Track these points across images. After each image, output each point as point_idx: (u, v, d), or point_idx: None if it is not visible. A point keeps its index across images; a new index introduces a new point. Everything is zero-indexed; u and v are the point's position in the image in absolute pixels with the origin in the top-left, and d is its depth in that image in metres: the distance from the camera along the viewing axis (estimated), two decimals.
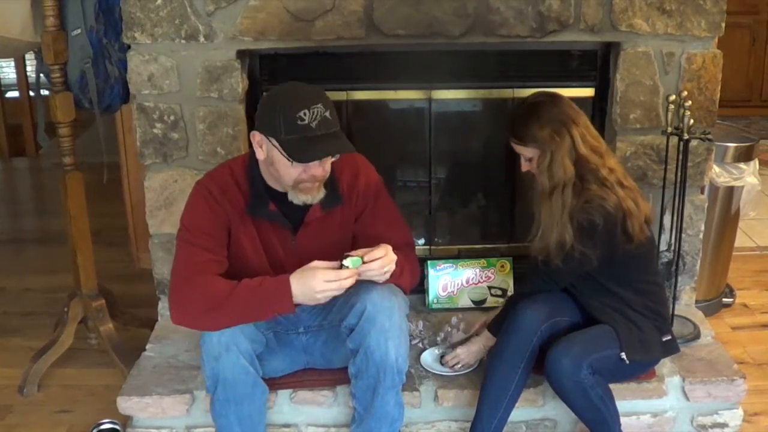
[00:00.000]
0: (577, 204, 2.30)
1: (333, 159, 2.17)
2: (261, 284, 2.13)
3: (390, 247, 2.16)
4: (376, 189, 2.37)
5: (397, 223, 2.40)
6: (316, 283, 2.08)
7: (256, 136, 2.14)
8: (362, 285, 2.20)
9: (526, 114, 2.37)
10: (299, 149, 2.07)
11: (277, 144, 2.09)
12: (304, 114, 2.05)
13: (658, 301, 2.47)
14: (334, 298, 2.36)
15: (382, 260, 2.13)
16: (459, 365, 2.56)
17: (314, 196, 2.20)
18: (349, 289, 2.26)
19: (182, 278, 2.17)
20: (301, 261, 2.13)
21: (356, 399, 2.32)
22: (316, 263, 2.11)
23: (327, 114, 2.08)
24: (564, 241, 2.30)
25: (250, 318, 2.17)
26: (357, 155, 2.40)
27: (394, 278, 2.21)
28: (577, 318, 2.45)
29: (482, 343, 2.54)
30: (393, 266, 2.16)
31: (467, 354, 2.55)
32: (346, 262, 2.11)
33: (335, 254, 2.22)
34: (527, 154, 2.38)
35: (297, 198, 2.19)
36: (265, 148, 2.14)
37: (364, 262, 2.12)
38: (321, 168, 2.14)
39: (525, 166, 2.42)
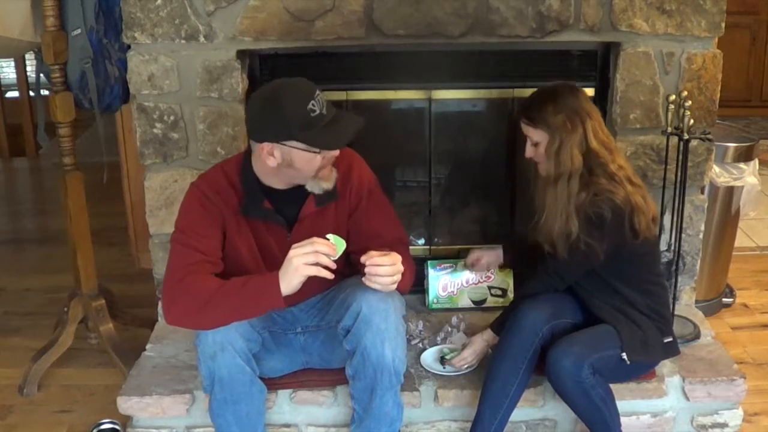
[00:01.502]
0: (586, 197, 2.30)
1: None
2: (249, 280, 2.12)
3: (399, 258, 2.15)
4: (370, 185, 2.36)
5: (392, 220, 2.40)
6: (291, 252, 2.05)
7: (266, 148, 2.12)
8: (358, 286, 2.20)
9: (543, 97, 2.38)
10: (326, 139, 2.10)
11: (296, 143, 2.09)
12: (313, 105, 2.07)
13: (661, 302, 2.47)
14: (332, 299, 2.37)
15: (389, 268, 2.11)
16: (466, 366, 2.56)
17: (332, 180, 2.22)
18: (346, 290, 2.27)
19: (174, 279, 2.17)
20: None
21: (355, 400, 2.32)
22: None
23: (325, 98, 2.13)
24: (569, 231, 2.30)
25: (241, 314, 2.15)
26: (351, 151, 2.39)
27: None
28: (579, 319, 2.45)
29: (486, 341, 2.54)
30: (399, 277, 2.15)
31: (473, 355, 2.55)
32: (328, 236, 2.09)
33: None
34: (535, 138, 2.38)
35: (318, 187, 2.20)
36: (278, 154, 2.12)
37: (368, 265, 2.11)
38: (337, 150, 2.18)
39: (530, 152, 2.41)
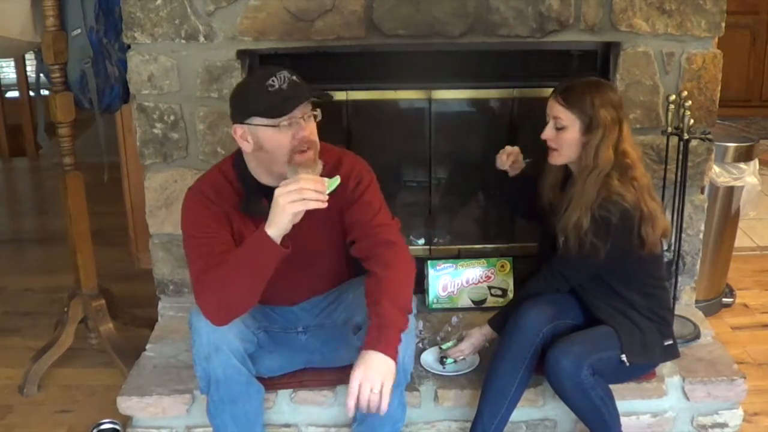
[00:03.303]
0: (596, 198, 2.29)
1: (316, 120, 2.15)
2: (242, 245, 2.09)
3: (357, 381, 2.01)
4: (358, 177, 2.30)
5: (381, 212, 2.30)
6: (276, 191, 1.99)
7: (238, 130, 2.13)
8: None
9: (589, 85, 2.34)
10: (278, 107, 2.07)
11: (257, 120, 2.09)
12: (273, 81, 2.07)
13: (663, 305, 2.47)
14: (337, 298, 2.38)
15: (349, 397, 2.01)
16: (461, 358, 2.56)
17: (314, 168, 2.15)
18: (358, 288, 2.26)
19: (197, 286, 2.13)
20: (296, 253, 2.09)
21: None
22: None
23: (294, 78, 2.10)
24: (581, 224, 2.29)
25: (257, 278, 2.08)
26: (343, 149, 2.37)
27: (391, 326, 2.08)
28: (580, 320, 2.45)
29: (484, 335, 2.53)
30: (377, 393, 2.01)
31: (470, 348, 2.55)
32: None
33: (330, 243, 2.27)
34: (564, 120, 2.32)
35: (295, 172, 2.12)
36: (250, 137, 2.12)
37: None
38: (308, 129, 2.12)
39: (549, 134, 2.36)
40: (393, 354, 2.05)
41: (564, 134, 2.34)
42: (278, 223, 2.00)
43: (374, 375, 2.00)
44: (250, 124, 2.11)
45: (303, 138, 2.12)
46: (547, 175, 2.49)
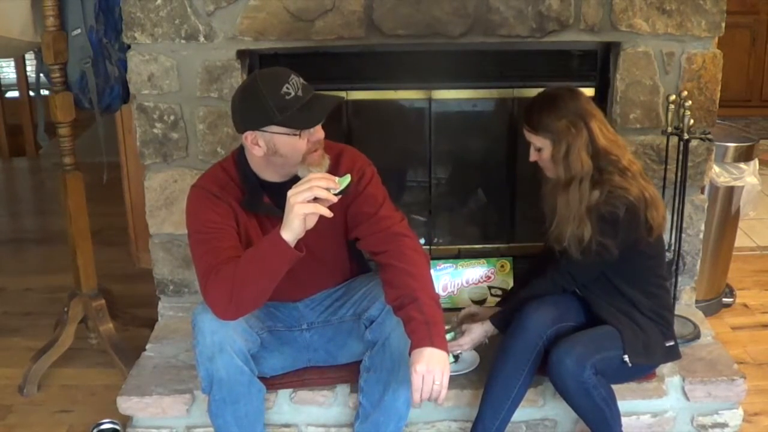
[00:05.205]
0: (600, 196, 2.29)
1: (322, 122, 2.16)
2: (256, 245, 2.09)
3: (421, 375, 2.06)
4: (361, 170, 2.30)
5: (385, 204, 2.31)
6: (289, 192, 2.00)
7: (249, 137, 2.13)
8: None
9: (543, 103, 2.37)
10: (301, 119, 2.08)
11: (276, 128, 2.09)
12: (287, 88, 2.07)
13: (665, 306, 2.47)
14: (344, 294, 2.38)
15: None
16: (458, 353, 2.56)
17: (323, 165, 2.17)
18: (368, 283, 2.28)
19: (203, 283, 2.14)
20: (299, 249, 2.09)
21: (364, 393, 2.32)
22: None
23: (302, 80, 2.11)
24: (581, 235, 2.30)
25: (268, 279, 2.09)
26: (343, 145, 2.38)
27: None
28: (582, 321, 2.44)
29: (485, 331, 2.52)
30: (439, 384, 2.07)
31: (470, 343, 2.53)
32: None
33: (334, 239, 2.26)
34: (537, 144, 2.38)
35: (308, 172, 2.14)
36: (262, 142, 2.12)
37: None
38: (320, 130, 2.15)
39: (533, 156, 2.41)
40: (445, 346, 2.11)
41: (543, 155, 2.38)
42: (291, 225, 2.00)
43: (435, 368, 2.06)
44: (266, 132, 2.10)
45: (317, 140, 2.15)
46: (546, 184, 2.50)
